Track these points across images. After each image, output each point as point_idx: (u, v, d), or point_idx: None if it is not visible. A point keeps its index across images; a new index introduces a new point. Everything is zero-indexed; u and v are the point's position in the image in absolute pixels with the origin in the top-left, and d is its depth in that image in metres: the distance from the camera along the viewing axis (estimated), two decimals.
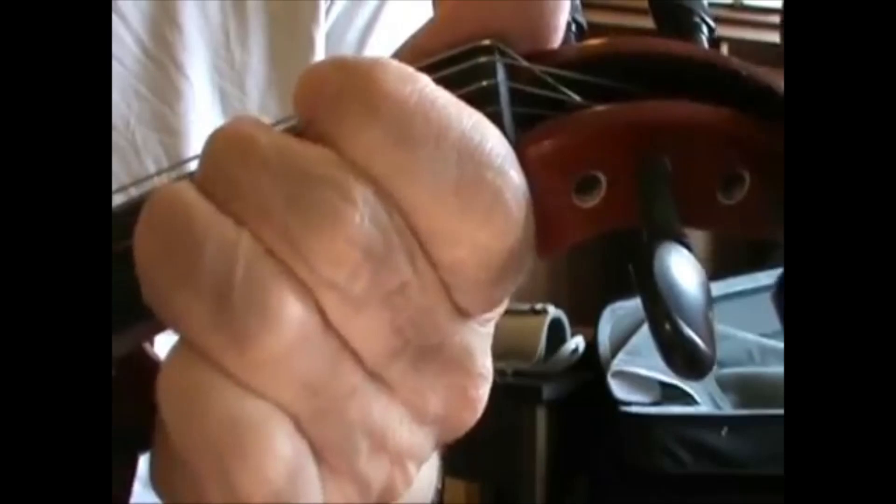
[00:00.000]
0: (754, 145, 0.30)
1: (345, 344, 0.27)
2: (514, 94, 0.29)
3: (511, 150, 0.27)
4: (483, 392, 0.29)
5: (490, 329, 0.29)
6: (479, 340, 0.29)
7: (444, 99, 0.27)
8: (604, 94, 0.30)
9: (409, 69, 0.27)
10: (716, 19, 0.33)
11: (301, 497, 0.26)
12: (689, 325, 0.26)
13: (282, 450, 0.26)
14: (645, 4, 0.33)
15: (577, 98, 0.29)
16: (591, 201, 0.29)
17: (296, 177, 0.26)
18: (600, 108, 0.29)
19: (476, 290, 0.28)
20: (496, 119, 0.28)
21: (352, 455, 0.27)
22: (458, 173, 0.26)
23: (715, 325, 0.27)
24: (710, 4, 0.33)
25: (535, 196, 0.28)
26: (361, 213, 0.26)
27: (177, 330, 0.27)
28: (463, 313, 0.28)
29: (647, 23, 0.33)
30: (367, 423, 0.27)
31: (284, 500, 0.26)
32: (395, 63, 0.27)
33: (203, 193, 0.27)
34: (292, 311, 0.26)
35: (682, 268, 0.27)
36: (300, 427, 0.27)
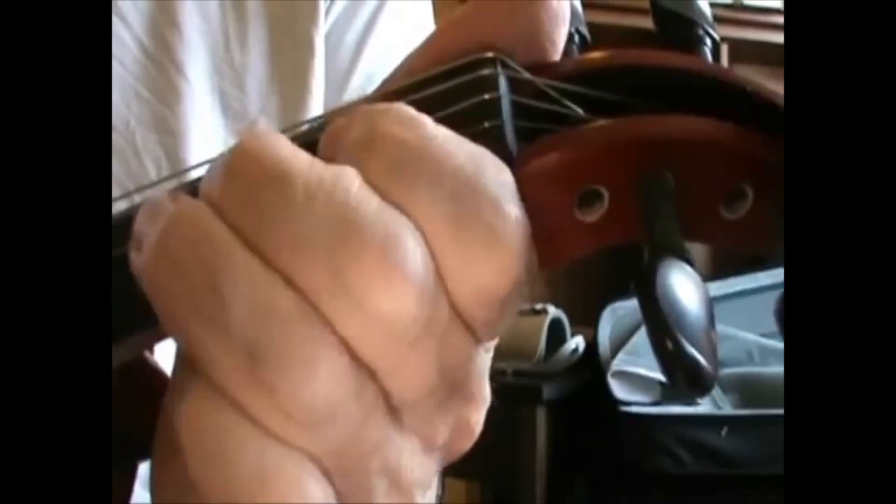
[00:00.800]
0: (758, 160, 0.30)
1: (376, 397, 0.26)
2: (516, 107, 0.29)
3: (512, 182, 0.27)
4: (481, 418, 0.29)
5: (490, 353, 0.29)
6: (482, 367, 0.29)
7: (444, 136, 0.26)
8: (606, 107, 0.29)
9: (411, 112, 0.27)
10: (716, 19, 0.33)
11: None
12: (692, 344, 0.26)
13: (314, 494, 0.26)
14: (645, 4, 0.33)
15: (579, 111, 0.29)
16: (594, 215, 0.29)
17: (344, 215, 0.25)
18: (603, 121, 0.29)
19: (485, 325, 0.28)
20: (498, 133, 0.28)
21: (369, 496, 0.27)
22: (455, 208, 0.26)
23: (717, 345, 0.27)
24: (710, 4, 0.33)
25: (537, 210, 0.27)
26: (413, 254, 0.25)
27: (197, 362, 0.26)
28: (478, 341, 0.28)
29: (647, 23, 0.32)
30: (386, 468, 0.27)
31: None
32: (399, 106, 0.27)
33: (225, 221, 0.26)
34: (327, 381, 0.25)
35: (684, 285, 0.27)
36: (325, 473, 0.26)
